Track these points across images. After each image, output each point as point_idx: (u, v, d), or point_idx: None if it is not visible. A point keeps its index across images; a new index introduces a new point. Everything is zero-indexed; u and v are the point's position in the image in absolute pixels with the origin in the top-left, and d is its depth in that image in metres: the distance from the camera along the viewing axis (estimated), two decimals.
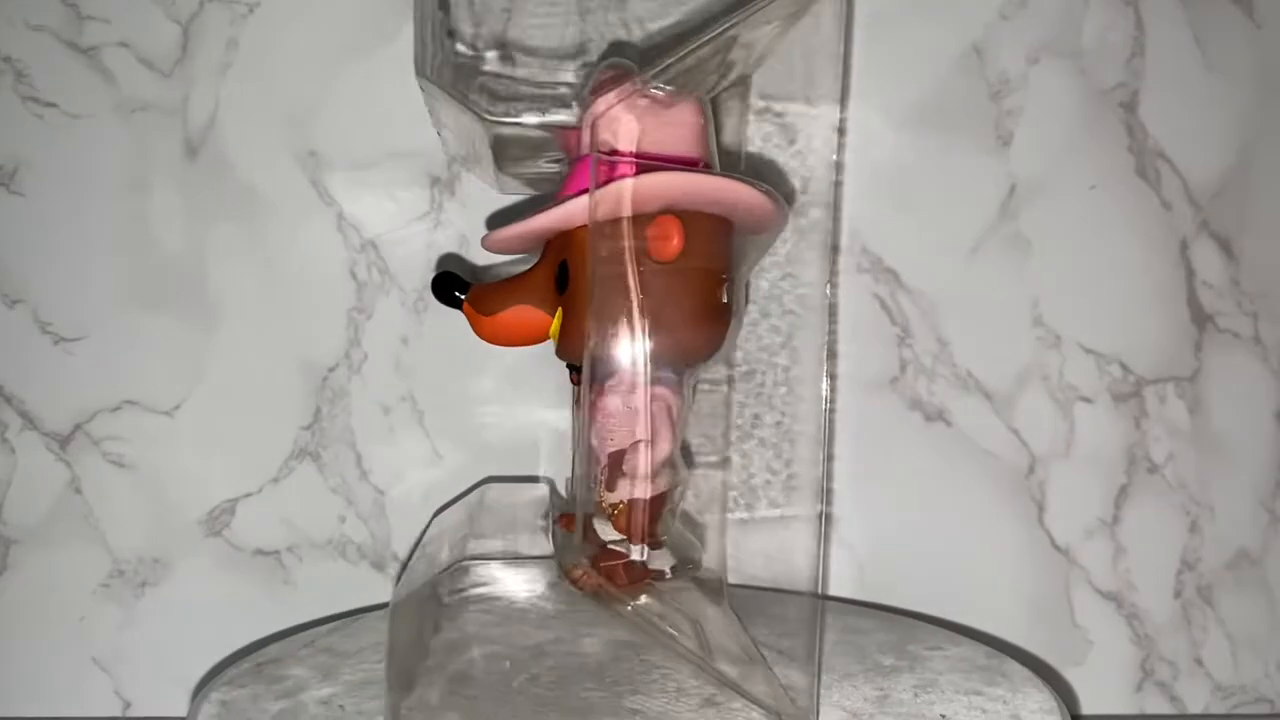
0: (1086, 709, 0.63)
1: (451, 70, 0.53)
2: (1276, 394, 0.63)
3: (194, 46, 0.57)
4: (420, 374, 0.59)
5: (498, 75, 0.54)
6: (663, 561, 0.44)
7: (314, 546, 0.59)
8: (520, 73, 0.54)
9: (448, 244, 0.59)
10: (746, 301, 0.56)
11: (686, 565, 0.46)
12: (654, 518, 0.44)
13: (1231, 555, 0.64)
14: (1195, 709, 0.64)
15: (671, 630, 0.42)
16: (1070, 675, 0.63)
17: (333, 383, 0.59)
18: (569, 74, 0.54)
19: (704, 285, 0.43)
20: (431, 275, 0.59)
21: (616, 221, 0.41)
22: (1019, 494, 0.62)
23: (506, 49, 0.54)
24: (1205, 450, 0.63)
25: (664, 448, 0.43)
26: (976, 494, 0.62)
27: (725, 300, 0.44)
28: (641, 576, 0.43)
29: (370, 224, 0.59)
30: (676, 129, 0.43)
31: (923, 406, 0.61)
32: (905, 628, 0.54)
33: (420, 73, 0.49)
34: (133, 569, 0.59)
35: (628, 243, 0.41)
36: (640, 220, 0.41)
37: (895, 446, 0.61)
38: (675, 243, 0.41)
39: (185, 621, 0.59)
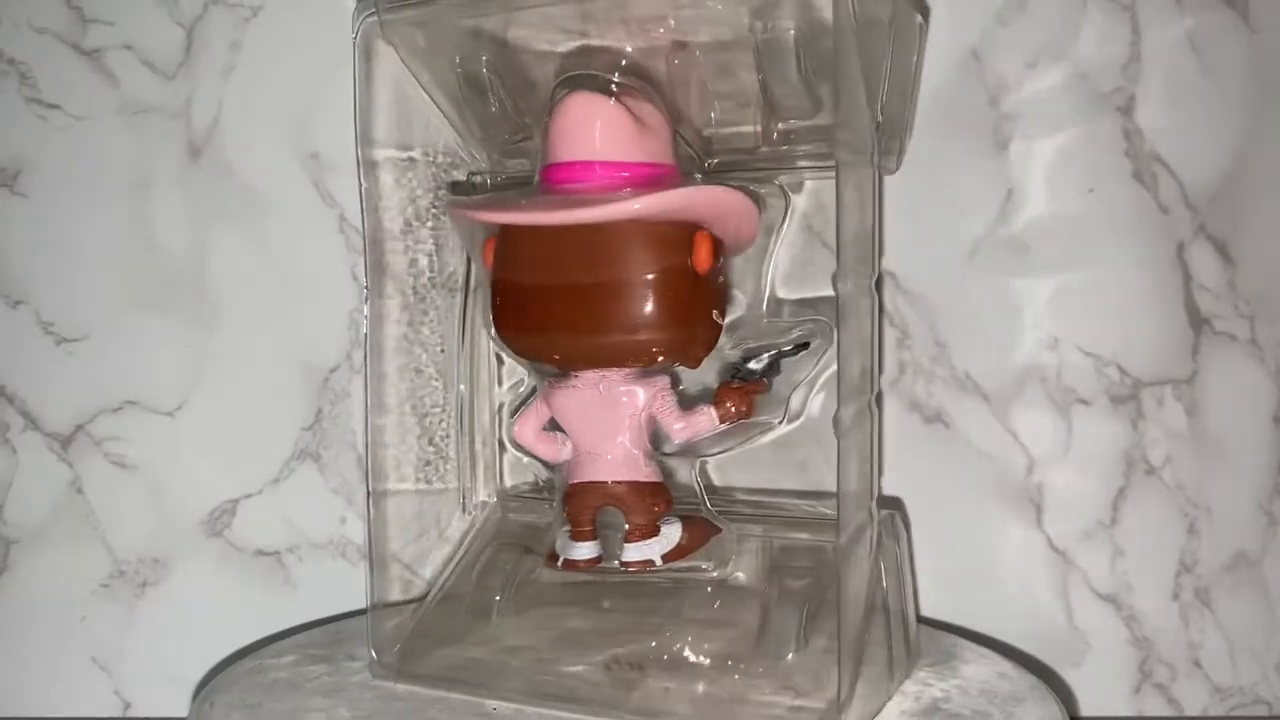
0: (1085, 711, 0.63)
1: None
2: (1274, 396, 0.63)
3: (197, 49, 0.58)
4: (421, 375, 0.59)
5: None
6: (638, 554, 0.47)
7: (314, 547, 0.60)
8: None
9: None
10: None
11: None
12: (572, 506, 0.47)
13: (1230, 557, 0.64)
14: (1193, 711, 0.64)
15: None
16: (1068, 677, 0.63)
17: (334, 384, 0.59)
18: None
19: (527, 294, 0.45)
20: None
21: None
22: (1017, 496, 0.62)
23: None
24: (1203, 452, 0.63)
25: (571, 440, 0.48)
26: (974, 495, 0.62)
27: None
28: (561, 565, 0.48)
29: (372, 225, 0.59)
30: (642, 137, 0.45)
31: (921, 408, 0.62)
32: None
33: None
34: (133, 569, 0.59)
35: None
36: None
37: (893, 448, 0.61)
38: (486, 257, 0.47)
39: (186, 621, 0.59)
